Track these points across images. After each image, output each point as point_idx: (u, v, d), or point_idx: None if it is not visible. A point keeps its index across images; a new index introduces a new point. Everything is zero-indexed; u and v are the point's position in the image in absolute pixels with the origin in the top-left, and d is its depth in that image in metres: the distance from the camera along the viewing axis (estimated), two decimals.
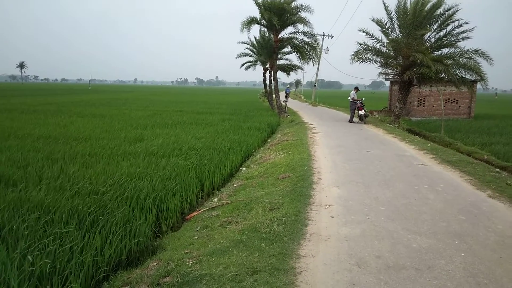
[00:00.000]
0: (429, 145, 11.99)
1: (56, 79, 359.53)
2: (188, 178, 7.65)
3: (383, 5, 18.74)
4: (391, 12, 18.68)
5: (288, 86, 61.11)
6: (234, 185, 7.93)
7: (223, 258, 4.08)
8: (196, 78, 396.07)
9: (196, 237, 5.06)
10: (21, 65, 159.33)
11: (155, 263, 4.25)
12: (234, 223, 5.34)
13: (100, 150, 9.85)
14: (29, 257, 4.01)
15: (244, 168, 9.77)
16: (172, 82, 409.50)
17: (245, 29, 23.12)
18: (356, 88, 20.03)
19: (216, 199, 7.03)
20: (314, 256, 4.03)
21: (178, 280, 3.71)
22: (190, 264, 4.03)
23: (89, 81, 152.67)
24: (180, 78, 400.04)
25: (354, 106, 19.13)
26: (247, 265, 3.84)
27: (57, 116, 18.38)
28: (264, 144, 14.23)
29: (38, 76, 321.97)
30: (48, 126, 14.34)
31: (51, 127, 14.24)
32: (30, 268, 3.89)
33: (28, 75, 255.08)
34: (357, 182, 7.13)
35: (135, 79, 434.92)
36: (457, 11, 17.30)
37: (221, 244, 4.52)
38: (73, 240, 4.55)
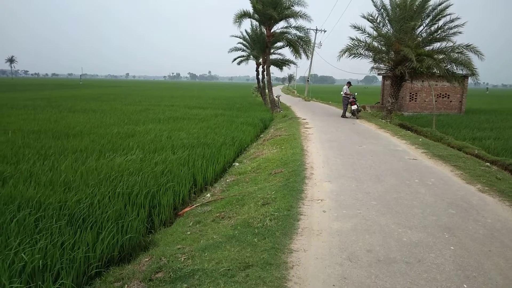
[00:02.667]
0: (420, 139, 12.09)
1: (47, 74, 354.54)
2: (181, 174, 7.63)
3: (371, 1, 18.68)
4: (381, 8, 18.68)
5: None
6: (227, 180, 7.93)
7: (215, 253, 4.09)
8: (189, 73, 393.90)
9: (189, 233, 5.07)
10: (11, 60, 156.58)
11: (147, 259, 4.24)
12: (226, 218, 5.35)
13: (91, 146, 9.78)
14: (22, 255, 3.97)
15: (237, 163, 9.77)
16: (164, 77, 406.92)
17: (237, 23, 23.01)
18: (349, 83, 20.09)
19: (209, 195, 7.03)
20: (306, 250, 4.06)
21: (170, 275, 3.71)
22: (183, 259, 4.03)
23: (80, 75, 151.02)
24: (173, 73, 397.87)
25: (346, 101, 19.20)
26: (240, 260, 3.86)
27: (48, 111, 18.20)
28: (257, 139, 14.23)
29: (28, 71, 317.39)
30: (39, 122, 14.20)
31: (42, 122, 14.10)
32: (20, 264, 3.86)
33: (18, 70, 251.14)
34: (349, 176, 7.17)
35: (127, 74, 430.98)
36: (448, 6, 17.38)
37: (214, 239, 4.53)
38: (64, 236, 4.53)
